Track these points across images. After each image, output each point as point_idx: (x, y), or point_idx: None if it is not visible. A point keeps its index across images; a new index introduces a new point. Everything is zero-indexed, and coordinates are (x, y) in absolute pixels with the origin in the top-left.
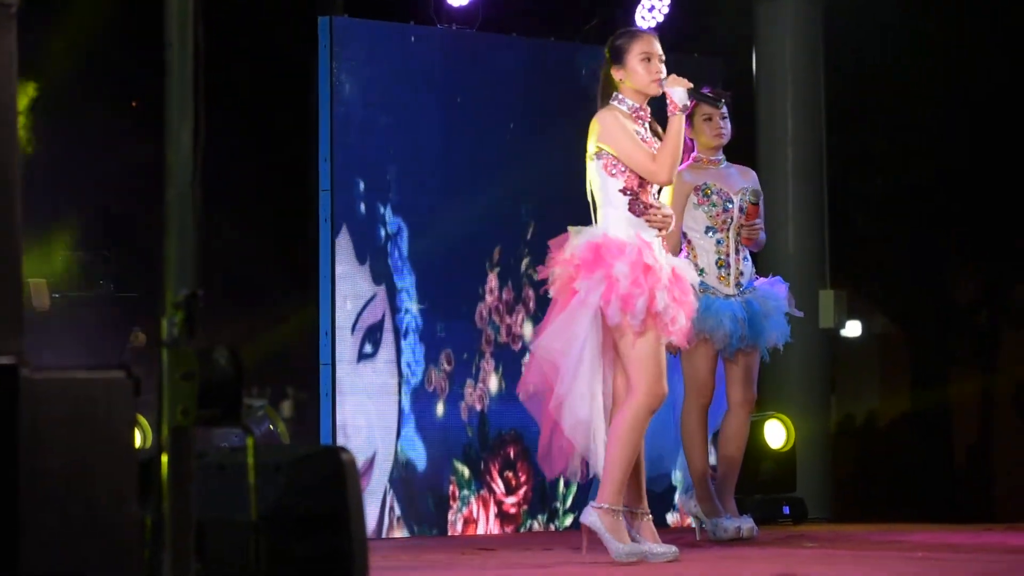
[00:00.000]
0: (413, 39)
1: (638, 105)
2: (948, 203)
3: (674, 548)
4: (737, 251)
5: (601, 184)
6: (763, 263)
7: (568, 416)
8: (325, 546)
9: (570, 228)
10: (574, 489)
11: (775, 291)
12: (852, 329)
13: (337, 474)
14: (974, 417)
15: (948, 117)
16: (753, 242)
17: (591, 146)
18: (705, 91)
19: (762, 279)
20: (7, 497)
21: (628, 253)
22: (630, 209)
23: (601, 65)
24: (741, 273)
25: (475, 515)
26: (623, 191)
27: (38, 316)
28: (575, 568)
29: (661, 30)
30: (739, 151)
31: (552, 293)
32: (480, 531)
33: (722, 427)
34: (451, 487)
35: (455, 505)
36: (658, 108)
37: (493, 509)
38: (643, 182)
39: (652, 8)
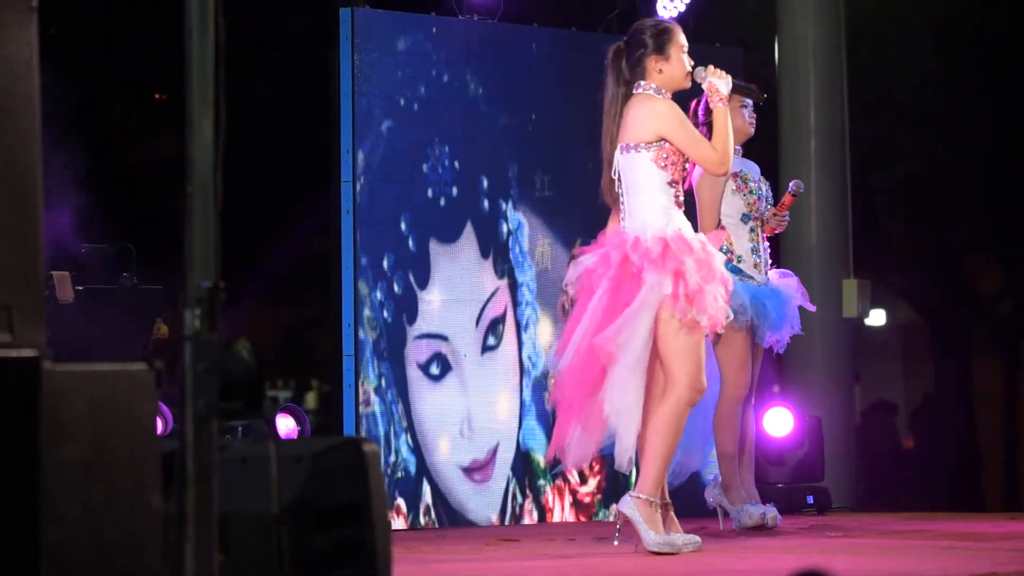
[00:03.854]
0: (435, 30)
1: (669, 95)
2: (972, 192)
3: (697, 538)
4: (763, 239)
5: (644, 175)
6: (787, 253)
7: (613, 403)
8: (348, 538)
9: (622, 222)
10: None
11: (787, 282)
12: (876, 318)
13: (359, 465)
14: (998, 405)
15: (971, 106)
16: (775, 232)
17: (644, 134)
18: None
19: (773, 270)
20: (30, 489)
21: (696, 250)
22: (675, 201)
23: (625, 47)
24: (767, 262)
25: (551, 504)
26: (670, 183)
27: (61, 308)
28: (597, 559)
29: (682, 19)
30: (762, 141)
31: (605, 282)
32: (556, 520)
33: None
34: (526, 477)
35: (530, 495)
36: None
37: (568, 499)
38: (683, 173)
39: None
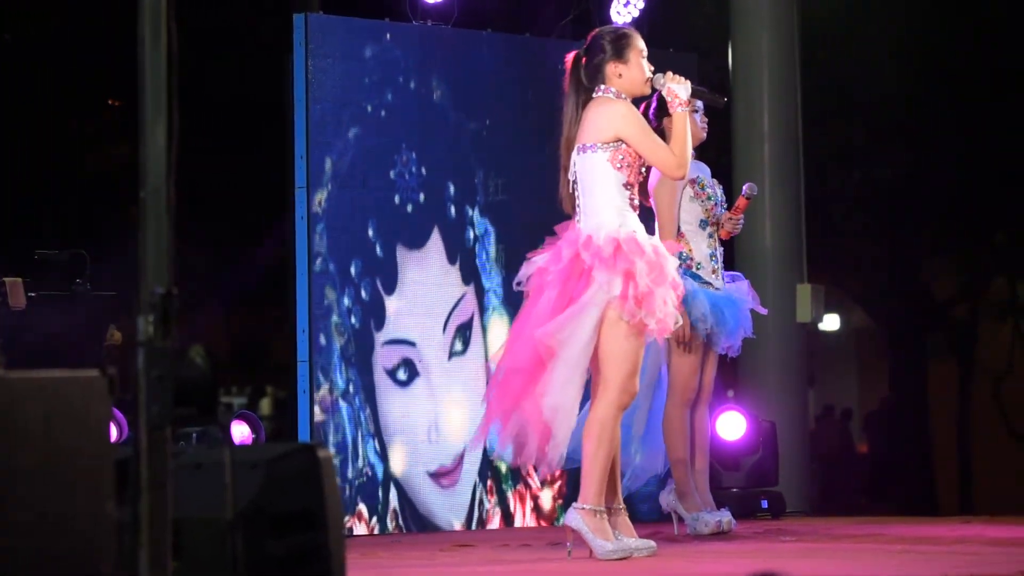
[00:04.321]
0: (388, 36)
1: (628, 100)
2: (925, 197)
3: (652, 543)
4: (720, 244)
5: (599, 176)
6: (741, 257)
7: (551, 399)
8: (302, 543)
9: (577, 223)
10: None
11: (740, 286)
12: (830, 323)
13: (314, 471)
14: (952, 410)
15: (924, 112)
16: (730, 236)
17: (602, 135)
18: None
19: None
20: None
21: (647, 253)
22: (629, 203)
23: (584, 54)
24: (722, 266)
25: (512, 509)
26: (625, 185)
27: (14, 315)
28: (553, 565)
29: (637, 25)
30: (716, 146)
31: (550, 276)
32: (517, 525)
33: (691, 420)
34: (489, 482)
35: (493, 499)
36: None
37: (529, 504)
38: (639, 176)
39: (628, 3)
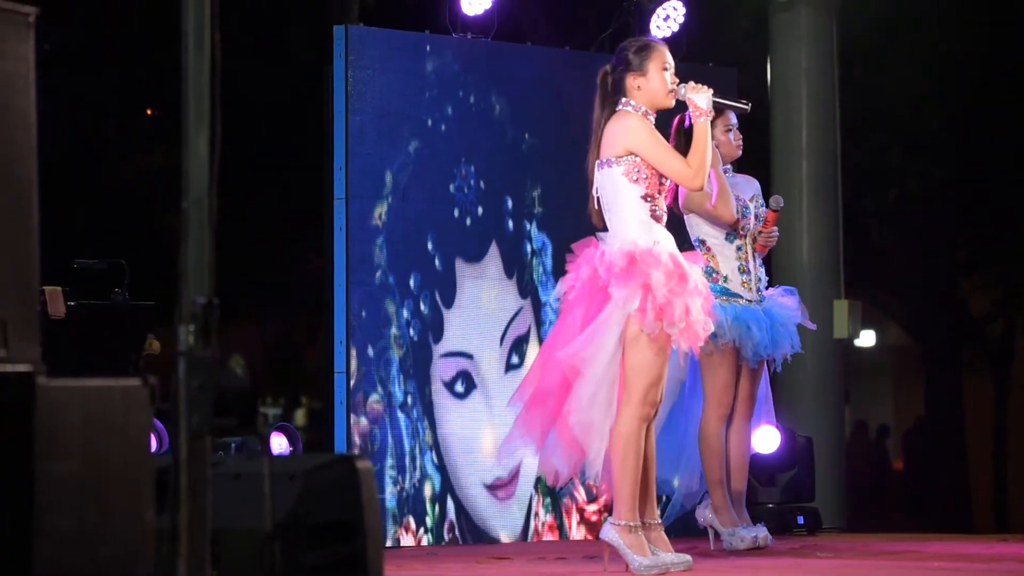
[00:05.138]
0: (428, 48)
1: (649, 111)
2: (962, 213)
3: (688, 557)
4: (753, 258)
5: (618, 190)
6: (779, 273)
7: (579, 416)
8: (340, 554)
9: (599, 235)
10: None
11: (787, 301)
12: (867, 339)
13: (352, 482)
14: (988, 426)
15: (964, 127)
16: (766, 250)
17: (615, 149)
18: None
19: (771, 289)
20: (23, 504)
21: (664, 262)
22: (652, 215)
23: (607, 69)
24: (759, 280)
25: (557, 522)
26: (644, 197)
27: (54, 323)
28: None
29: (676, 39)
30: (753, 162)
31: (572, 295)
32: (567, 538)
33: (729, 436)
34: (540, 495)
35: (543, 512)
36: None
37: (575, 517)
38: (660, 187)
39: (667, 17)
